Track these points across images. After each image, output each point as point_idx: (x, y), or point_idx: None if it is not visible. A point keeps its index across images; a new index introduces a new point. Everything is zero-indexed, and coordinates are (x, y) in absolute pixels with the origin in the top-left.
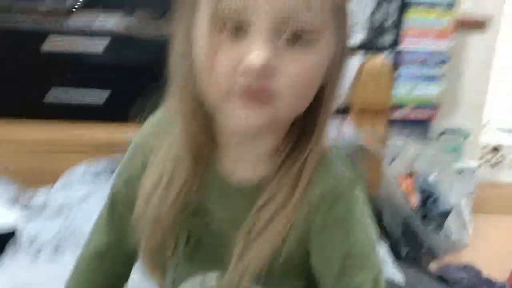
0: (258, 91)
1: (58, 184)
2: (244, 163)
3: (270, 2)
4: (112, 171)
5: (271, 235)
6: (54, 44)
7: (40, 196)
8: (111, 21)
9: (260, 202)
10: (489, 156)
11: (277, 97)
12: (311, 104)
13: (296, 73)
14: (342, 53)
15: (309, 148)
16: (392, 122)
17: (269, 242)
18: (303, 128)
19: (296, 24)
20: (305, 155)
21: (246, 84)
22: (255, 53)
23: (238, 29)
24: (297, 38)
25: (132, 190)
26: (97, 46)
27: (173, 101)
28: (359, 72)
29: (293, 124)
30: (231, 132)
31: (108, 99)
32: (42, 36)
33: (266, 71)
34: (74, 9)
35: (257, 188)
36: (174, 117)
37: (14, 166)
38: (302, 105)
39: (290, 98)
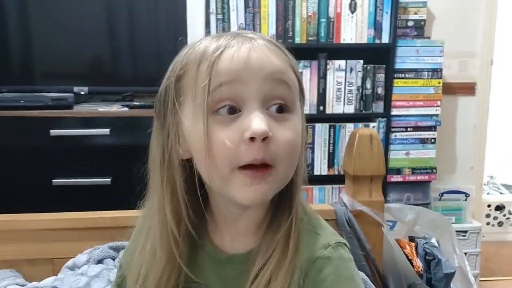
0: (260, 165)
1: (63, 271)
2: (233, 235)
3: (255, 86)
4: (114, 258)
5: None
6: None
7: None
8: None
9: (253, 272)
10: (494, 215)
11: (275, 165)
12: None
13: (286, 138)
14: (303, 123)
15: (289, 216)
16: (391, 186)
17: None
18: (280, 199)
19: (277, 97)
20: (287, 223)
21: (250, 159)
22: (256, 121)
23: (232, 110)
24: (280, 108)
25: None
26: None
27: (154, 198)
28: (352, 140)
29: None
30: (226, 204)
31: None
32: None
33: (267, 137)
34: None
35: (247, 258)
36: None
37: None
38: (292, 171)
39: (285, 163)
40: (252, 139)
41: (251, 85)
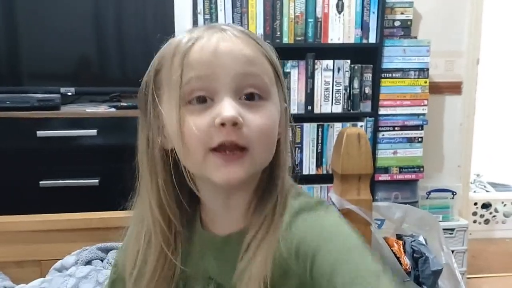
0: (231, 147)
1: (51, 272)
2: (224, 218)
3: (226, 76)
4: (102, 259)
5: (259, 264)
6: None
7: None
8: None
9: (243, 248)
10: (481, 213)
11: (249, 148)
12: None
13: (259, 124)
14: (285, 111)
15: (275, 196)
16: (379, 185)
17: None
18: (267, 182)
19: (249, 85)
20: (273, 202)
21: (221, 140)
22: (226, 108)
23: (204, 100)
24: (252, 96)
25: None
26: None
27: (143, 189)
28: (340, 139)
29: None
30: (213, 191)
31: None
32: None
33: (237, 122)
34: None
35: (242, 236)
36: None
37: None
38: (270, 153)
39: (259, 147)
40: (222, 125)
41: (222, 75)
